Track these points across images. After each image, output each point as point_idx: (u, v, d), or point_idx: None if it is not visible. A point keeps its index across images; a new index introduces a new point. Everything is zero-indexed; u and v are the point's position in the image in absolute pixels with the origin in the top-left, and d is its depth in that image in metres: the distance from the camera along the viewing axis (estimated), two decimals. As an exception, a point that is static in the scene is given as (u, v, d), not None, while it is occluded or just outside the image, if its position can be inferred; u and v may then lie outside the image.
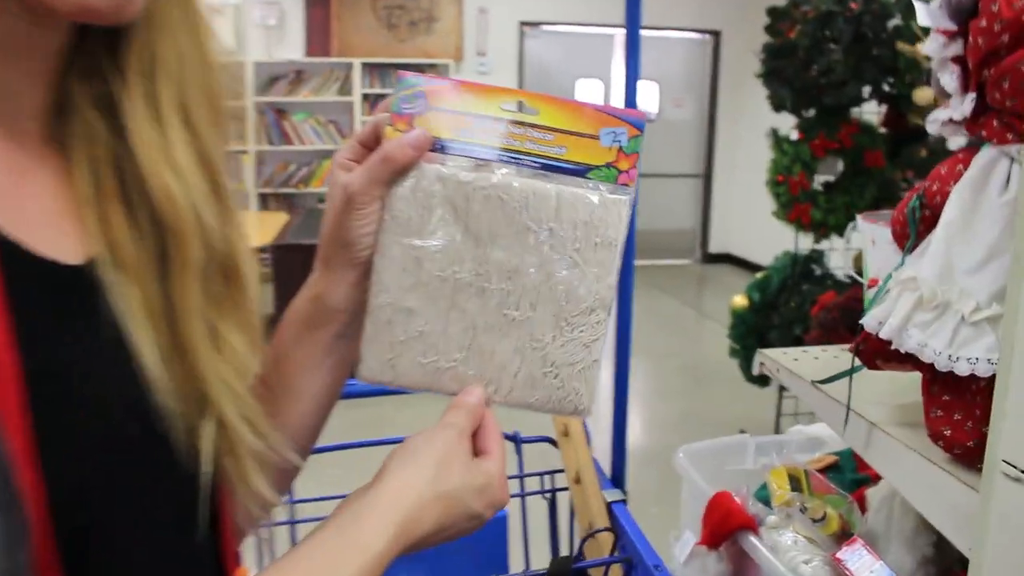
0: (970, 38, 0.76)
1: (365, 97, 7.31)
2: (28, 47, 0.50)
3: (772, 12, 3.50)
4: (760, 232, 7.11)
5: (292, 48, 7.29)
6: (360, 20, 7.39)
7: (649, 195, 8.68)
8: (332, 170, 0.67)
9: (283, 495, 0.76)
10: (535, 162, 0.66)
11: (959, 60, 0.79)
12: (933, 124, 0.83)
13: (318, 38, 7.33)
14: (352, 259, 0.67)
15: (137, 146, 0.53)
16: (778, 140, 3.59)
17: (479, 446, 0.65)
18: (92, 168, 0.54)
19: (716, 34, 8.16)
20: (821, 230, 3.55)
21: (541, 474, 1.29)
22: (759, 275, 3.93)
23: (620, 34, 8.28)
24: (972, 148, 0.81)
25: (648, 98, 8.29)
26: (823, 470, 1.25)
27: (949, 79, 0.80)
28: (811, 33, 3.32)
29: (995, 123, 0.77)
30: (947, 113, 0.80)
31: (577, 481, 1.22)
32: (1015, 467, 0.68)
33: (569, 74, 8.01)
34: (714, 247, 8.65)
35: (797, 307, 3.62)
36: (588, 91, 8.10)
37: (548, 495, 1.28)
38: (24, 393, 0.43)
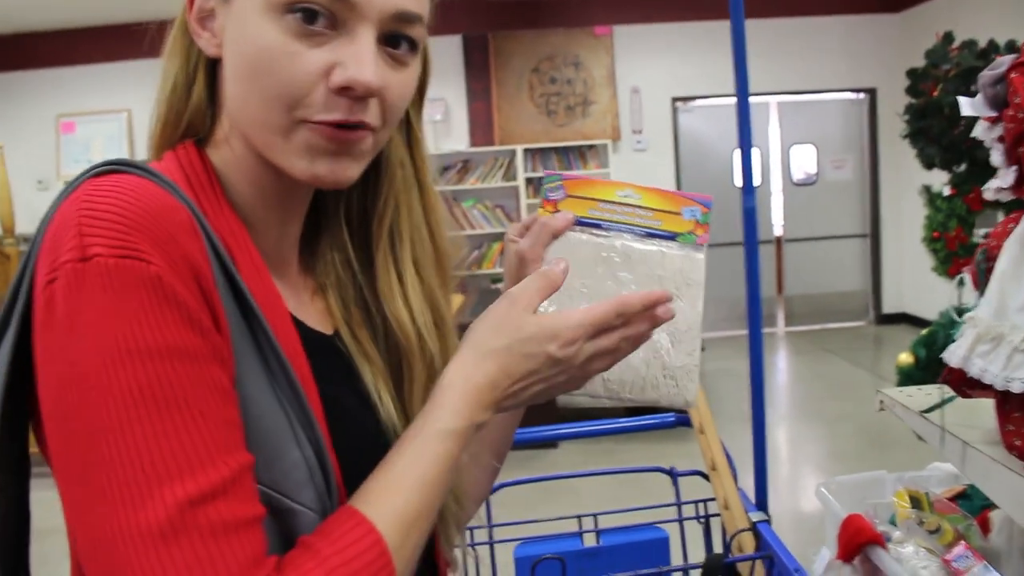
0: (1004, 123, 0.95)
1: (528, 181, 7.69)
2: (291, 199, 0.78)
3: (912, 73, 3.60)
4: (933, 289, 6.92)
5: (458, 140, 7.83)
6: (520, 109, 7.86)
7: (815, 258, 8.55)
8: (505, 245, 0.93)
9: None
10: (641, 231, 0.90)
11: (1002, 139, 0.98)
12: (988, 191, 1.01)
13: (481, 129, 7.86)
14: None
15: (384, 293, 0.82)
16: (931, 197, 3.66)
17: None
18: (344, 304, 0.83)
19: (871, 92, 8.10)
20: (984, 282, 3.55)
21: (695, 502, 1.51)
22: (924, 331, 3.93)
23: (774, 101, 8.39)
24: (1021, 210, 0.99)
25: (806, 161, 8.32)
26: (952, 498, 1.40)
27: (996, 155, 0.99)
28: (955, 90, 3.40)
29: (1035, 189, 0.95)
30: (997, 182, 0.99)
31: (726, 507, 1.42)
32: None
33: (723, 144, 7.95)
34: (888, 307, 8.41)
35: (965, 360, 3.60)
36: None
37: (702, 520, 1.49)
38: (322, 409, 0.70)
